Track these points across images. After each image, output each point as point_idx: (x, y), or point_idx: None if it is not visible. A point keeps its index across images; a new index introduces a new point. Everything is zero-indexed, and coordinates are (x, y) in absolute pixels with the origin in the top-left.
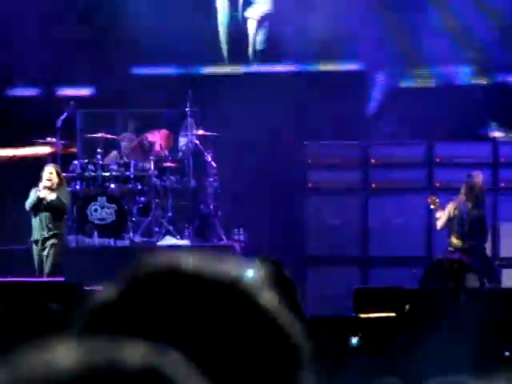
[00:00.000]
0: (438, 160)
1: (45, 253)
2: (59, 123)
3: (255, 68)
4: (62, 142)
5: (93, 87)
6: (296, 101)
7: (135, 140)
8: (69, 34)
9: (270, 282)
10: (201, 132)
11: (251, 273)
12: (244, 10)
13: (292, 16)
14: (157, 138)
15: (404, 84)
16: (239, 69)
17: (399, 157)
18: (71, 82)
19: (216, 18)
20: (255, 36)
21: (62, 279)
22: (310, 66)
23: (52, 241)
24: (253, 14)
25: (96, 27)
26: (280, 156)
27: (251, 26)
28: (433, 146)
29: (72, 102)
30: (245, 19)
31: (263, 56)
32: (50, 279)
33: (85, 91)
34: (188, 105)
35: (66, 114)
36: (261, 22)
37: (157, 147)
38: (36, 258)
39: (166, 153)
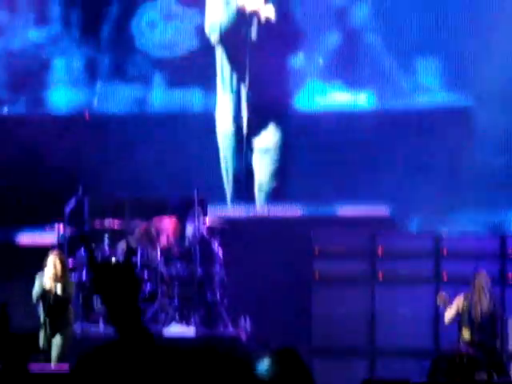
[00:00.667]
0: (445, 252)
1: (54, 345)
2: (67, 210)
3: None
4: (70, 228)
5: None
6: None
7: (142, 227)
8: None
9: (288, 372)
10: (208, 220)
11: (265, 364)
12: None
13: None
14: (164, 225)
15: None
16: None
17: (407, 247)
18: None
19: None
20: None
21: (68, 367)
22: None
23: (58, 329)
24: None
25: None
26: (286, 245)
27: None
28: (440, 238)
29: (80, 189)
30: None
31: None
32: (55, 368)
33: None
34: (195, 192)
35: (74, 201)
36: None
37: (164, 235)
38: (43, 347)
39: (173, 240)
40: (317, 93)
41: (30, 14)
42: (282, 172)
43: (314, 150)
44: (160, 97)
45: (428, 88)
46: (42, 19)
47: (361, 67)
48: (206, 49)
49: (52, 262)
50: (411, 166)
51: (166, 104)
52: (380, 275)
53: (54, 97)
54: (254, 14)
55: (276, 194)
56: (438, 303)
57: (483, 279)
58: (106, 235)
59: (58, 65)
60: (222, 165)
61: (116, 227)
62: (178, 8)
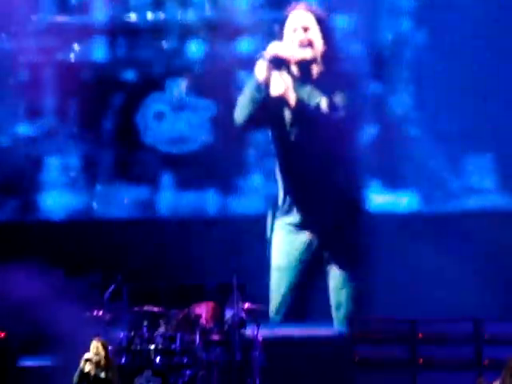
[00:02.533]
0: (486, 337)
1: None
2: (106, 296)
3: None
4: (109, 314)
5: None
6: None
7: (182, 313)
8: None
9: None
10: (247, 305)
11: None
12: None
13: None
14: (203, 310)
15: None
16: None
17: (447, 333)
18: None
19: None
20: None
21: None
22: None
23: None
24: None
25: None
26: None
27: None
28: (481, 323)
29: (119, 276)
30: None
31: None
32: None
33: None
34: (234, 277)
35: (113, 287)
36: None
37: (203, 320)
38: None
39: (212, 325)
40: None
41: (20, 105)
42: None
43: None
44: (169, 199)
45: (480, 189)
46: (33, 111)
47: (402, 165)
48: (222, 142)
49: (95, 348)
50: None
51: (175, 207)
52: (420, 360)
53: (47, 201)
54: (283, 100)
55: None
56: None
57: None
58: (145, 321)
59: (53, 163)
60: (274, 279)
61: (155, 312)
62: (189, 98)
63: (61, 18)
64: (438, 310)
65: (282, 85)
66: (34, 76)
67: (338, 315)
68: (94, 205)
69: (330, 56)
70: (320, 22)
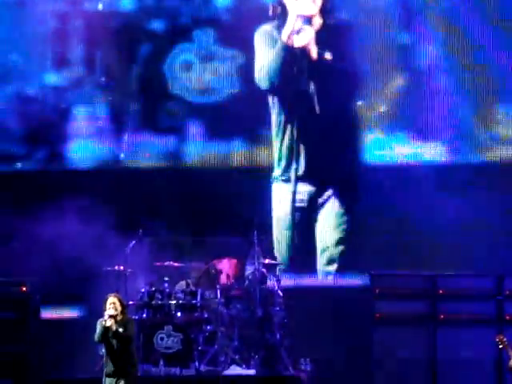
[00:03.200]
0: (507, 293)
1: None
2: (127, 251)
3: None
4: (130, 269)
5: None
6: None
7: (203, 268)
8: None
9: None
10: (267, 261)
11: None
12: None
13: None
14: (224, 266)
15: None
16: None
17: (468, 288)
18: None
19: None
20: None
21: None
22: None
23: (124, 372)
24: None
25: None
26: (346, 286)
27: None
28: (502, 279)
29: (140, 230)
30: None
31: None
32: None
33: None
34: (255, 233)
35: (133, 242)
36: None
37: (224, 276)
38: None
39: (233, 281)
40: (379, 145)
41: (48, 54)
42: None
43: (374, 213)
44: (196, 149)
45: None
46: (61, 61)
47: (430, 116)
48: (251, 93)
49: (111, 302)
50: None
51: (202, 157)
52: (441, 317)
53: (75, 150)
54: (305, 52)
55: (341, 260)
56: (497, 344)
57: None
58: (166, 275)
59: (80, 113)
60: (274, 230)
61: (176, 267)
62: (217, 48)
63: None
64: (461, 264)
65: (305, 37)
66: (62, 26)
67: (322, 258)
68: (122, 154)
69: (327, 9)
70: None
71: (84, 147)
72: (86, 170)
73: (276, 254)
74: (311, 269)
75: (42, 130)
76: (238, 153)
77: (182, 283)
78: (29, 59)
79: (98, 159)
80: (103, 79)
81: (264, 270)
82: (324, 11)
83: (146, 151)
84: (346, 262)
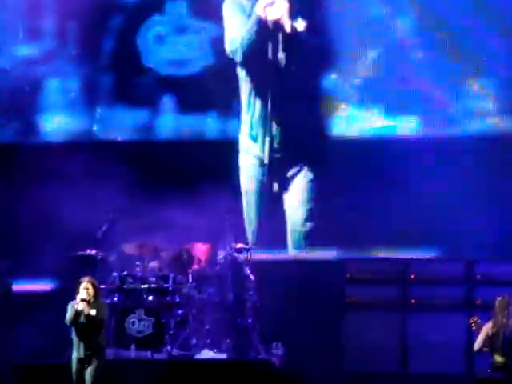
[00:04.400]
0: (478, 277)
1: (86, 370)
2: (99, 234)
3: None
4: (102, 253)
5: None
6: None
7: (174, 252)
8: None
9: None
10: (239, 245)
11: None
12: None
13: None
14: (196, 250)
15: None
16: None
17: (439, 273)
18: None
19: None
20: None
21: None
22: None
23: (93, 356)
24: None
25: None
26: (318, 270)
27: None
28: (473, 264)
29: (111, 214)
30: None
31: None
32: None
33: None
34: (227, 217)
35: (106, 226)
36: None
37: (195, 259)
38: (75, 373)
39: (205, 266)
40: (353, 119)
41: (19, 26)
42: (315, 213)
43: (348, 185)
44: (169, 122)
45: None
46: (32, 33)
47: (403, 90)
48: (224, 66)
49: (84, 287)
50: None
51: (175, 131)
52: (412, 301)
53: (47, 123)
54: (278, 25)
55: (309, 237)
56: (471, 326)
57: (505, 303)
58: (138, 259)
59: (52, 86)
60: (244, 204)
61: (148, 250)
62: (190, 20)
63: None
64: (431, 244)
65: (279, 10)
66: None
67: (292, 238)
68: (94, 127)
69: None
70: None
71: (56, 120)
72: (59, 143)
73: (246, 229)
74: (281, 246)
75: (13, 102)
76: (211, 126)
77: (154, 262)
78: (1, 32)
79: (70, 132)
80: (75, 52)
81: (236, 254)
82: None
83: (118, 124)
84: (315, 240)
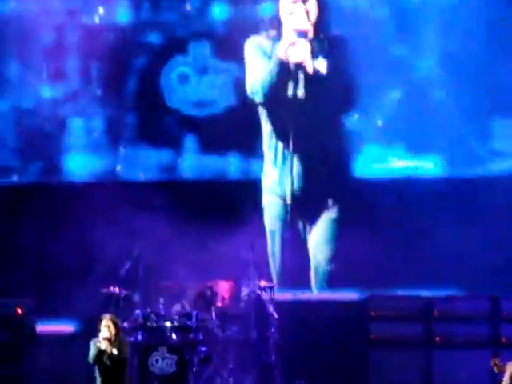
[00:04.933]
0: (504, 315)
1: None
2: (123, 272)
3: None
4: (125, 291)
5: None
6: None
7: (197, 290)
8: None
9: None
10: (263, 283)
11: None
12: None
13: None
14: (220, 288)
15: None
16: None
17: (464, 310)
18: None
19: None
20: None
21: None
22: None
23: None
24: None
25: None
26: (341, 308)
27: None
28: (498, 301)
29: (135, 252)
30: None
31: None
32: None
33: None
34: (251, 254)
35: (129, 264)
36: None
37: (219, 297)
38: None
39: (228, 303)
40: (375, 158)
41: (44, 67)
42: (339, 252)
43: (371, 225)
44: (192, 162)
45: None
46: (57, 73)
47: (426, 129)
48: (246, 106)
49: (105, 324)
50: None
51: (198, 171)
52: (437, 339)
53: (71, 163)
54: (300, 67)
55: (333, 276)
56: (492, 367)
57: None
58: (161, 297)
59: (76, 126)
60: (269, 243)
61: (171, 289)
62: (213, 61)
63: None
64: (455, 284)
65: (301, 51)
66: (59, 38)
67: (316, 277)
68: (118, 167)
69: (322, 20)
70: None
71: (80, 160)
72: (82, 183)
73: (271, 267)
74: (305, 285)
75: (37, 142)
76: (234, 166)
77: (177, 306)
78: (25, 72)
79: (94, 172)
80: (99, 92)
81: (259, 291)
82: (319, 25)
83: (142, 164)
84: (338, 279)
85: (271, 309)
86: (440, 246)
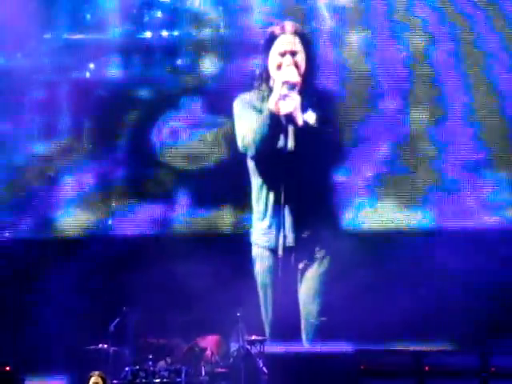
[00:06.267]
0: (492, 370)
1: None
2: (112, 328)
3: None
4: (114, 348)
5: None
6: None
7: (186, 346)
8: None
9: None
10: (253, 337)
11: None
12: None
13: None
14: (208, 343)
15: None
16: None
17: (454, 365)
18: None
19: None
20: None
21: None
22: None
23: None
24: None
25: None
26: (332, 362)
27: None
28: (487, 356)
29: (125, 308)
30: None
31: None
32: None
33: None
34: (239, 310)
35: (118, 320)
36: None
37: (208, 353)
38: None
39: (218, 358)
40: (365, 211)
41: (35, 123)
42: (329, 305)
43: (362, 277)
44: (183, 216)
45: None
46: (48, 130)
47: (417, 182)
48: (238, 160)
49: (94, 381)
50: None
51: (190, 225)
52: None
53: (62, 218)
54: (290, 119)
55: (323, 329)
56: None
57: None
58: (150, 353)
59: (67, 182)
60: (260, 296)
61: (159, 345)
62: (204, 116)
63: (76, 36)
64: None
65: (291, 104)
66: (49, 94)
67: (307, 329)
68: (109, 222)
69: (310, 73)
70: (306, 43)
71: (72, 215)
72: (74, 238)
73: (263, 320)
74: (297, 337)
75: (28, 198)
76: (225, 220)
77: (162, 362)
78: (17, 129)
79: (85, 227)
80: (90, 147)
81: (248, 346)
82: (307, 77)
83: (133, 218)
84: (330, 331)
85: (261, 364)
86: (429, 298)
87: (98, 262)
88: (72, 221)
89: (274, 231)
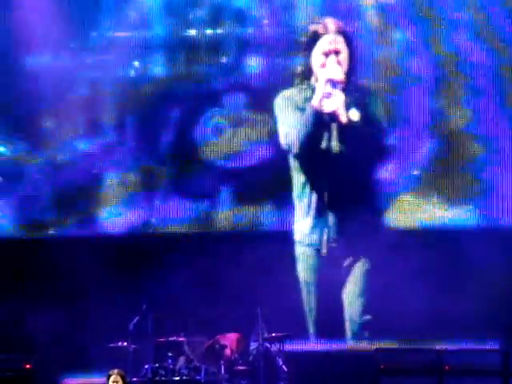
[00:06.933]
0: None
1: None
2: (131, 327)
3: None
4: (134, 346)
5: None
6: None
7: (206, 343)
8: None
9: None
10: (272, 335)
11: None
12: None
13: None
14: (228, 341)
15: None
16: None
17: (474, 364)
18: None
19: None
20: None
21: None
22: None
23: None
24: None
25: None
26: (352, 361)
27: None
28: (509, 355)
29: (144, 306)
30: None
31: None
32: None
33: None
34: (259, 309)
35: (137, 318)
36: None
37: (228, 351)
38: None
39: (237, 356)
40: (411, 209)
41: (80, 121)
42: (373, 304)
43: (407, 276)
44: (227, 214)
45: None
46: (92, 128)
47: (463, 179)
48: (281, 158)
49: (113, 380)
50: None
51: (233, 222)
52: None
53: (106, 216)
54: (334, 117)
55: (368, 328)
56: None
57: None
58: (170, 351)
59: (111, 179)
60: (304, 295)
61: (180, 343)
62: (248, 113)
63: (120, 34)
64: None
65: (335, 102)
66: (94, 92)
67: (351, 328)
68: (153, 219)
69: (353, 71)
70: (348, 42)
71: (115, 212)
72: (117, 236)
73: (307, 318)
74: (340, 335)
75: (73, 196)
76: (267, 217)
77: (182, 359)
78: (61, 126)
79: (129, 224)
80: (134, 144)
81: (268, 344)
82: (351, 75)
83: (176, 216)
84: (375, 329)
85: (280, 362)
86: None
87: (138, 259)
88: (116, 219)
89: (317, 229)
